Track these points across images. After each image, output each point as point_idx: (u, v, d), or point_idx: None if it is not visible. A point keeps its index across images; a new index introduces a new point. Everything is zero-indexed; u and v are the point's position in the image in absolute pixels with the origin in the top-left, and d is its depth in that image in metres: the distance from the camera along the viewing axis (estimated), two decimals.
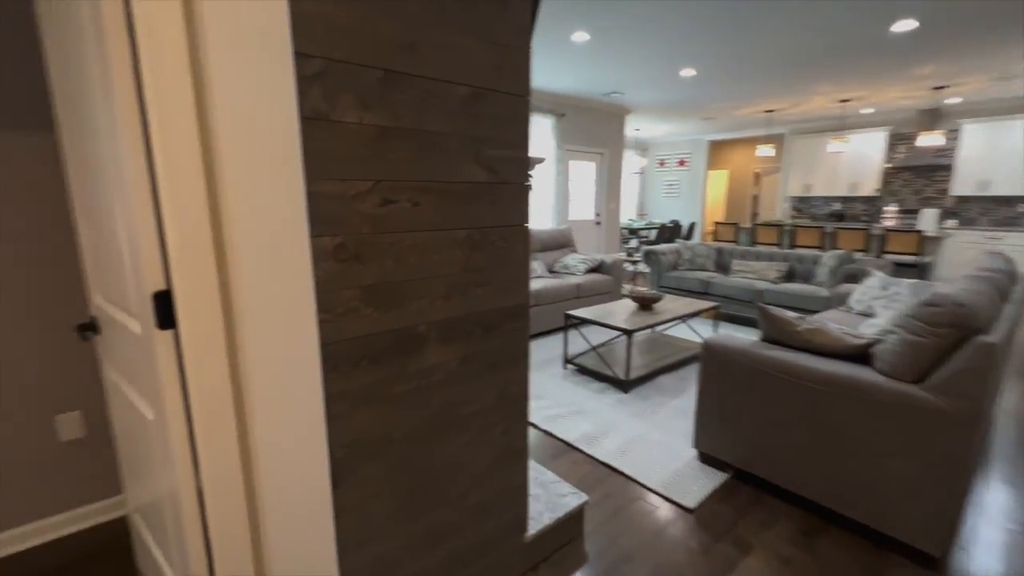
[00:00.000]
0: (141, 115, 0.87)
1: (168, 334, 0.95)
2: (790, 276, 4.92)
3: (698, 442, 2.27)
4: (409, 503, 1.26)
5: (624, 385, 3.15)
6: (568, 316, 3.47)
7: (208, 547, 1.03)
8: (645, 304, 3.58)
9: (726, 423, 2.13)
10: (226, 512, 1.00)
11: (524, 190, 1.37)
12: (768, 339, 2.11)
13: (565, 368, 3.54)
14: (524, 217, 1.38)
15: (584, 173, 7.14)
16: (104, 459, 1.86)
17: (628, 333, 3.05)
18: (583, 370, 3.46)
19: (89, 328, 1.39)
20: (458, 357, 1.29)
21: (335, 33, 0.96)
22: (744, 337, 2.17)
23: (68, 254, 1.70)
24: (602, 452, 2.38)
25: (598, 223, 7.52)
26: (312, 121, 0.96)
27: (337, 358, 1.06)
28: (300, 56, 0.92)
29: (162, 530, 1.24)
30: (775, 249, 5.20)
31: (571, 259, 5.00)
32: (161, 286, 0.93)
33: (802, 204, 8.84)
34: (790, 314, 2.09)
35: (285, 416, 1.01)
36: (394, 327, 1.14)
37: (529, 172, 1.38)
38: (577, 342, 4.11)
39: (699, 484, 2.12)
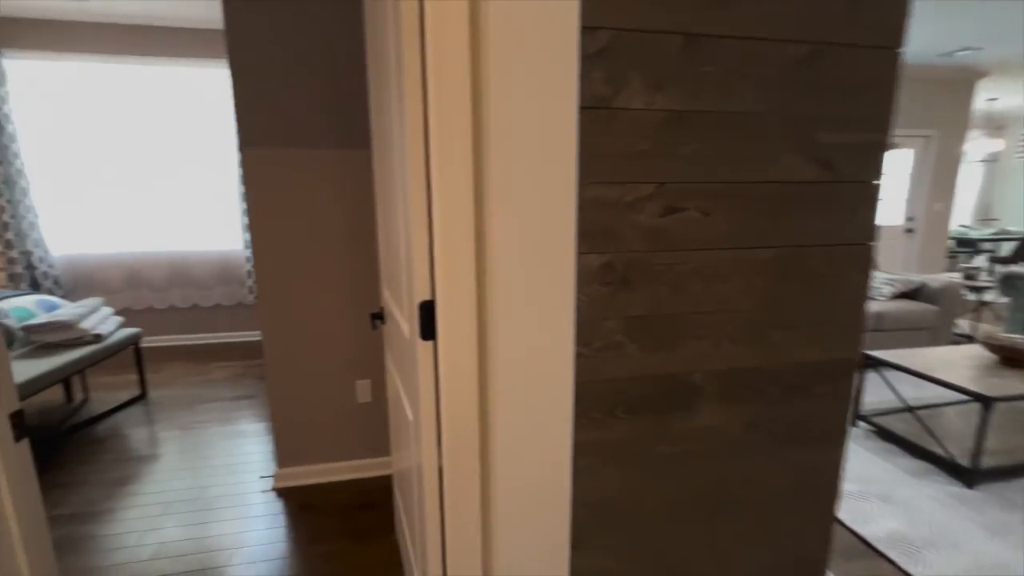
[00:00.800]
0: (424, 123, 0.84)
1: (429, 345, 0.92)
2: None
3: None
4: None
5: (967, 476, 2.13)
6: (868, 357, 2.58)
7: (443, 556, 1.00)
8: (1014, 358, 2.37)
9: None
10: (462, 528, 0.94)
11: (873, 192, 0.91)
12: None
13: (856, 425, 2.65)
14: (868, 232, 0.92)
15: (894, 164, 5.41)
16: (382, 423, 2.19)
17: (986, 401, 2.04)
18: (887, 434, 2.52)
19: (378, 317, 1.59)
20: (742, 421, 0.94)
21: None
22: None
23: (372, 251, 2.03)
24: (930, 575, 1.62)
25: (909, 231, 5.63)
26: (590, 111, 0.77)
27: (589, 400, 0.87)
28: (585, 30, 0.74)
29: (409, 504, 1.31)
30: None
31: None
32: (427, 296, 0.91)
33: None
34: None
35: (529, 454, 0.88)
36: (661, 372, 0.89)
37: (883, 165, 0.91)
38: (877, 391, 3.06)
39: None
